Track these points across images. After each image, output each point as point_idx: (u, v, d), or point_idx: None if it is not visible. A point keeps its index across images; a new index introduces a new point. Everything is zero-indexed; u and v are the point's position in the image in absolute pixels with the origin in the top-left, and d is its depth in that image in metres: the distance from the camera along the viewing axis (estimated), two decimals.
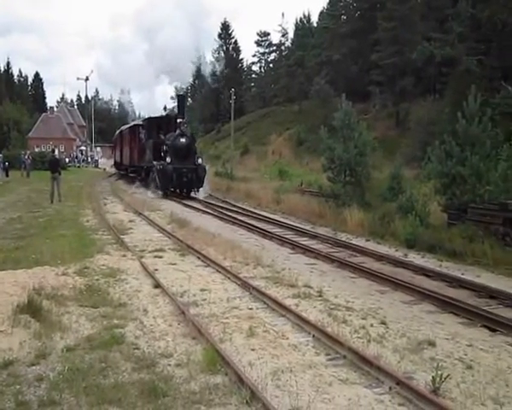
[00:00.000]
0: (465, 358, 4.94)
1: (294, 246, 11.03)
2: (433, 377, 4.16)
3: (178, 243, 10.35)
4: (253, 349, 4.92)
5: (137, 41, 67.85)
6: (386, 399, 4.02)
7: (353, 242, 12.01)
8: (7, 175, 32.60)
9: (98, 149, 65.60)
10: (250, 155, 47.15)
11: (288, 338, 5.25)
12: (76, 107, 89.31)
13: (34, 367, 4.34)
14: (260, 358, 4.72)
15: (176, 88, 50.29)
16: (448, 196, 12.94)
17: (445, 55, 30.74)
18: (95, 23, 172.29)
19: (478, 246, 10.39)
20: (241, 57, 71.38)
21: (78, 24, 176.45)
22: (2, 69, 75.98)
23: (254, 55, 70.32)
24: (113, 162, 41.62)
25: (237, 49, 70.32)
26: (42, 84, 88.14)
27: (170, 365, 4.48)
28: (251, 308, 6.25)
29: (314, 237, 12.50)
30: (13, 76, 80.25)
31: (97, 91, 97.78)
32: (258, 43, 68.40)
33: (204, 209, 17.75)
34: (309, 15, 65.46)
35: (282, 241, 11.64)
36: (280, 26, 66.50)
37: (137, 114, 73.01)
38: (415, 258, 10.33)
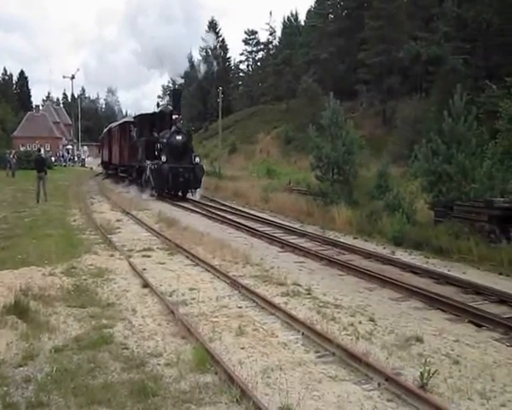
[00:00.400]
0: (452, 353, 5.00)
1: (283, 244, 11.05)
2: (420, 372, 4.21)
3: (167, 243, 10.31)
4: (242, 348, 4.92)
5: (125, 38, 67.48)
6: (375, 395, 4.06)
7: (341, 240, 12.09)
8: None
9: (85, 147, 64.88)
10: (238, 153, 47.10)
11: (277, 336, 5.27)
12: (62, 105, 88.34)
13: (22, 368, 4.29)
14: (250, 356, 4.73)
15: (172, 81, 49.32)
16: (434, 193, 13.08)
17: (431, 54, 31.10)
18: (81, 20, 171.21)
19: (464, 243, 10.52)
20: (228, 56, 71.42)
21: (64, 21, 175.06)
22: None
23: (242, 54, 70.15)
24: (100, 161, 41.15)
25: (225, 48, 70.28)
26: (27, 82, 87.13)
27: (159, 364, 4.46)
28: (240, 307, 6.25)
29: (302, 235, 12.55)
30: None
31: (84, 90, 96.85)
32: (245, 42, 68.20)
33: (192, 208, 17.68)
34: (296, 14, 65.96)
35: (271, 239, 11.66)
36: (268, 24, 66.74)
37: (124, 112, 72.42)
38: (402, 255, 10.43)
